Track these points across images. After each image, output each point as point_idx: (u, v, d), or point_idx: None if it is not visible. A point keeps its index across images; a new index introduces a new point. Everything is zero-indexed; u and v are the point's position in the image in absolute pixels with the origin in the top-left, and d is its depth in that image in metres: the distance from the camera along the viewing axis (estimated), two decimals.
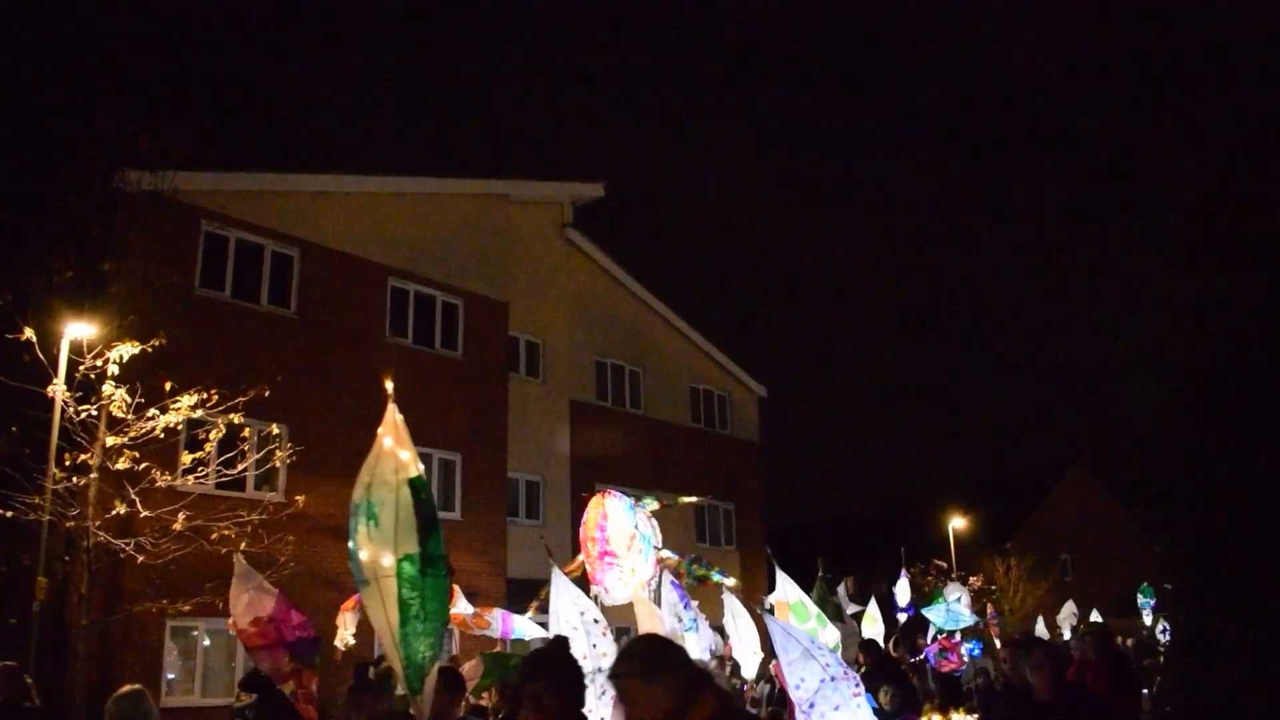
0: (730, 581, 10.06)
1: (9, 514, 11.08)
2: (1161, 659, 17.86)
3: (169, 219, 14.27)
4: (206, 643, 15.47)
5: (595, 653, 6.51)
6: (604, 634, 6.68)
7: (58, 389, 11.23)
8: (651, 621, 8.27)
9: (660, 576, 9.21)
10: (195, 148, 13.14)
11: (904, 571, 17.61)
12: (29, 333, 11.05)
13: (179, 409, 12.12)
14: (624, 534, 8.69)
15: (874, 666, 10.02)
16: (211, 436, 12.86)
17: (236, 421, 13.02)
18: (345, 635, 10.60)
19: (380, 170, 19.96)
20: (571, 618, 6.82)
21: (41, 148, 13.20)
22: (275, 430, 14.07)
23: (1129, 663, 12.20)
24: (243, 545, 12.53)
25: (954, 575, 31.69)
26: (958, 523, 33.94)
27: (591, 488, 22.94)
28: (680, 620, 8.86)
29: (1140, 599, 23.96)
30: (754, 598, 22.83)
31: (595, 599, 8.71)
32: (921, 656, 15.25)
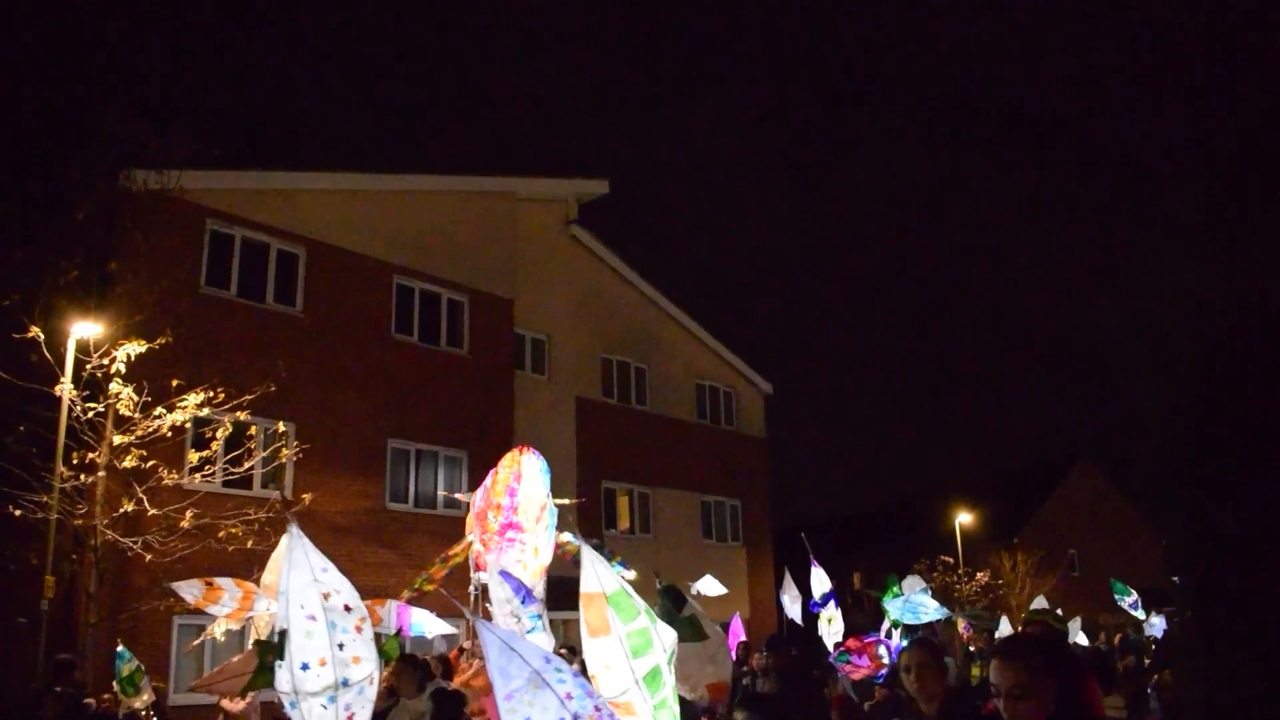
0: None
1: (17, 513, 11.12)
2: (1148, 660, 17.38)
3: (174, 218, 14.29)
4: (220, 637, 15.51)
5: (339, 657, 4.53)
6: (358, 628, 4.66)
7: (65, 388, 11.27)
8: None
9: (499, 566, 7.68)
10: (200, 147, 13.19)
11: (813, 561, 15.33)
12: (36, 332, 11.09)
13: (185, 407, 12.16)
14: (536, 503, 7.47)
15: (776, 675, 8.18)
16: (218, 435, 12.90)
17: (243, 419, 13.04)
18: (216, 630, 9.80)
19: (385, 168, 19.97)
20: (309, 601, 4.55)
21: (48, 148, 13.23)
22: (281, 428, 14.12)
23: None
24: (249, 544, 12.58)
25: (961, 570, 31.73)
26: (965, 518, 33.93)
27: (598, 485, 23.22)
28: (519, 619, 7.44)
29: (1117, 597, 23.06)
30: (759, 596, 22.70)
31: (478, 588, 7.65)
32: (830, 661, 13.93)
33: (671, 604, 6.53)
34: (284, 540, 4.87)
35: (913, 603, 13.96)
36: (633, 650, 4.28)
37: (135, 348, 11.69)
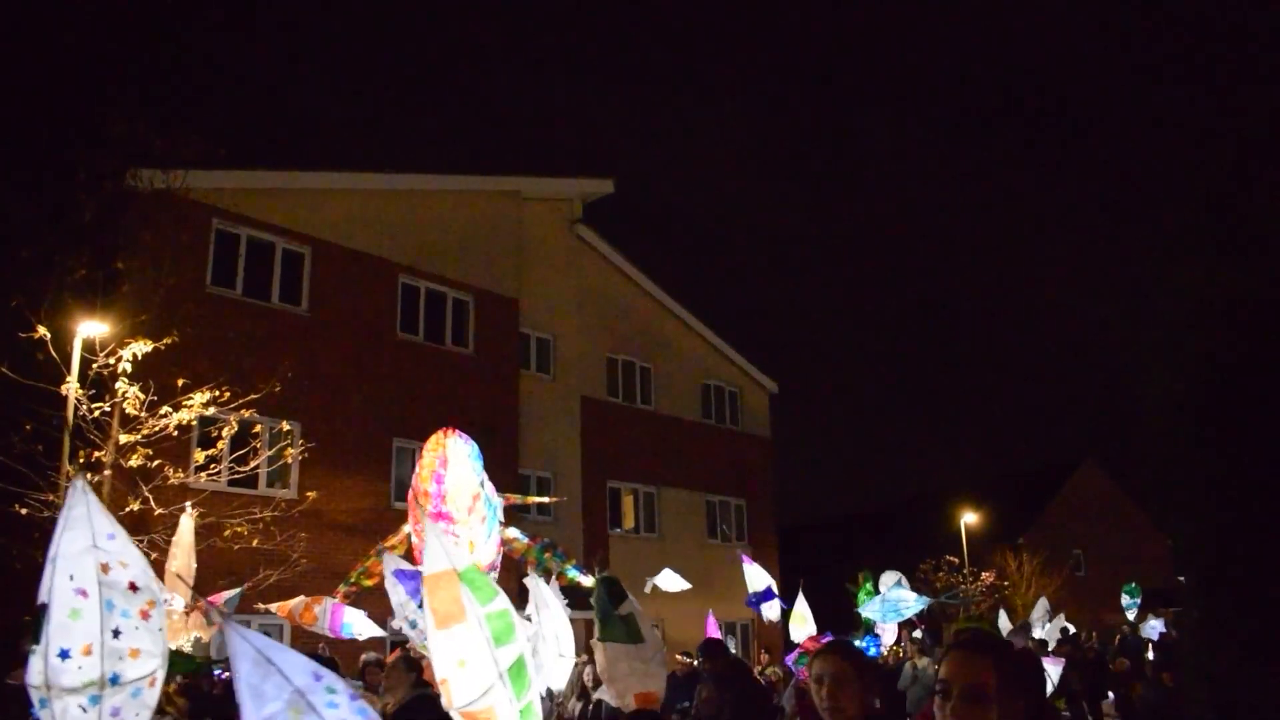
0: (588, 581, 7.76)
1: (24, 511, 11.15)
2: (1149, 662, 17.09)
3: (180, 217, 14.31)
4: None
5: (112, 647, 3.61)
6: (145, 614, 3.68)
7: (71, 387, 11.29)
8: (556, 623, 6.69)
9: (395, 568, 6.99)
10: (206, 146, 13.19)
11: (746, 558, 14.31)
12: (42, 331, 11.12)
13: (191, 406, 12.18)
14: (466, 492, 6.82)
15: (713, 680, 7.31)
16: (224, 434, 12.92)
17: (248, 418, 13.06)
18: (187, 639, 9.67)
19: (391, 168, 19.99)
20: (81, 572, 3.69)
21: (54, 147, 13.25)
22: (287, 427, 14.14)
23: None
24: (255, 543, 12.59)
25: (966, 570, 31.66)
26: (970, 517, 33.86)
27: (603, 484, 23.23)
28: (414, 625, 6.86)
29: (1125, 599, 23.00)
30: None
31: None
32: (773, 665, 12.61)
33: (608, 597, 5.87)
34: (182, 520, 4.51)
35: (890, 600, 13.04)
36: (494, 636, 3.55)
37: (141, 347, 11.71)
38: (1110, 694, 16.67)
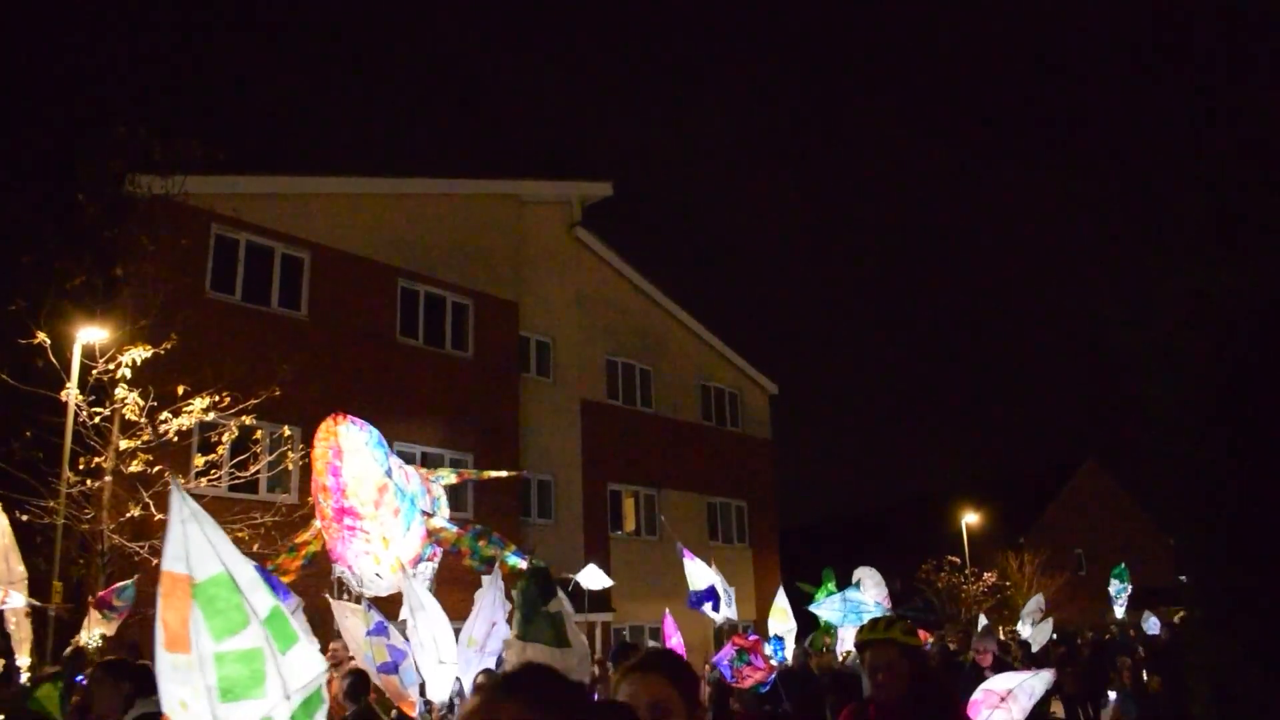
0: (525, 564, 7.17)
1: (24, 518, 11.14)
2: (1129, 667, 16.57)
3: (180, 223, 14.31)
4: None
5: None
6: None
7: (71, 393, 11.29)
8: (434, 626, 5.88)
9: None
10: (205, 152, 13.19)
11: (686, 552, 13.61)
12: (42, 337, 11.12)
13: (191, 412, 12.18)
14: (369, 483, 6.22)
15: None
16: (224, 439, 12.91)
17: (249, 424, 13.04)
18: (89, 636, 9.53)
19: (389, 172, 20.00)
20: None
21: (54, 153, 13.26)
22: (287, 432, 14.11)
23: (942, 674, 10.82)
24: (255, 548, 12.58)
25: (967, 570, 31.64)
26: (971, 518, 33.85)
27: (604, 487, 23.22)
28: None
29: (1115, 584, 20.96)
30: (766, 598, 22.64)
31: (340, 583, 6.57)
32: (711, 667, 11.53)
33: (538, 593, 5.30)
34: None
35: (851, 601, 12.66)
36: (223, 689, 2.41)
37: (141, 353, 11.71)
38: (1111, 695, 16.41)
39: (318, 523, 6.53)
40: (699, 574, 13.24)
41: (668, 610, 13.19)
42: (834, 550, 28.54)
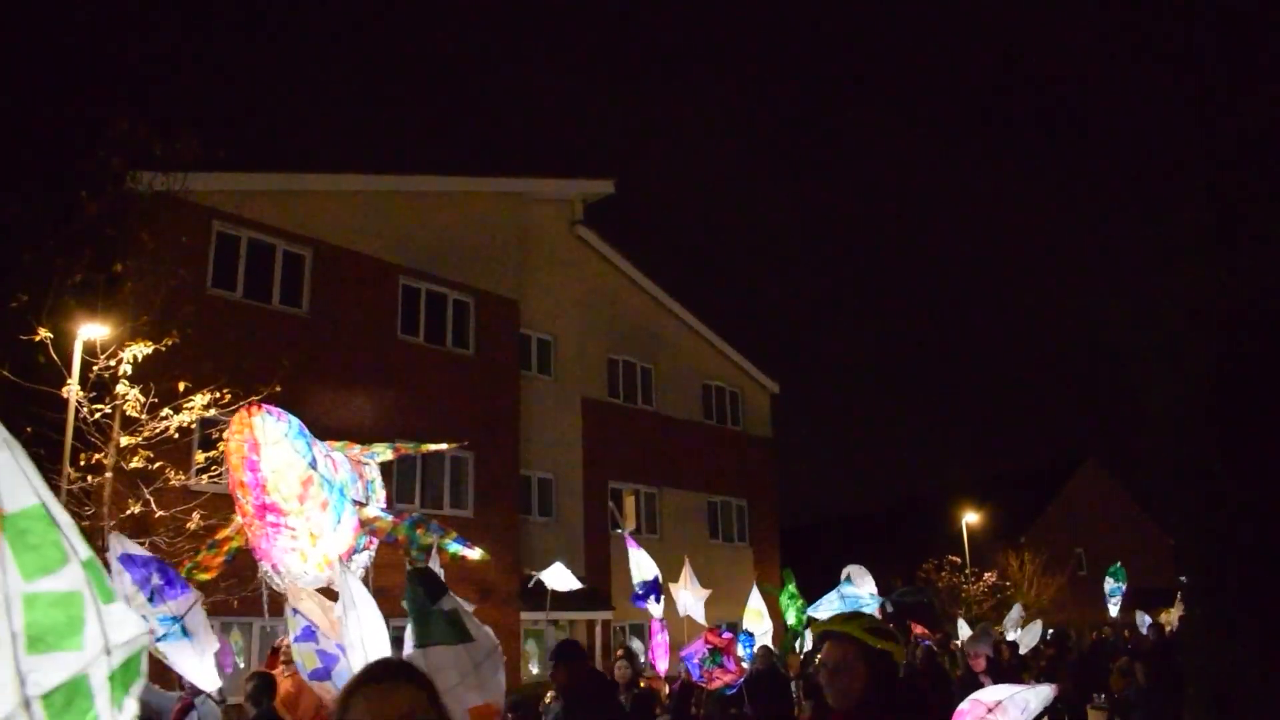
0: (475, 554, 6.87)
1: None
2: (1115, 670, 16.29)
3: (181, 219, 14.31)
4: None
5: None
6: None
7: (72, 389, 11.29)
8: (364, 626, 5.46)
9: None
10: (206, 148, 13.19)
11: (631, 541, 13.08)
12: (43, 334, 11.12)
13: (192, 408, 12.18)
14: (292, 477, 5.79)
15: (565, 695, 6.04)
16: (225, 435, 12.91)
17: None
18: None
19: (391, 169, 20.02)
20: None
21: (55, 150, 13.26)
22: None
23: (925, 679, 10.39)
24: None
25: (968, 570, 31.64)
26: (971, 517, 33.84)
27: (605, 486, 23.22)
28: (146, 619, 5.56)
29: (1110, 583, 20.55)
30: (771, 595, 22.68)
31: (263, 580, 6.27)
32: (682, 670, 11.08)
33: (425, 594, 4.95)
34: None
35: (850, 597, 12.47)
36: (31, 636, 1.95)
37: (142, 349, 11.71)
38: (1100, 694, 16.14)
39: (239, 519, 6.13)
40: (645, 564, 12.73)
41: (656, 609, 13.10)
42: (835, 549, 28.57)
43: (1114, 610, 20.91)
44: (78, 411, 11.41)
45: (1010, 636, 17.07)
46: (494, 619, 18.12)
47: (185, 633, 6.31)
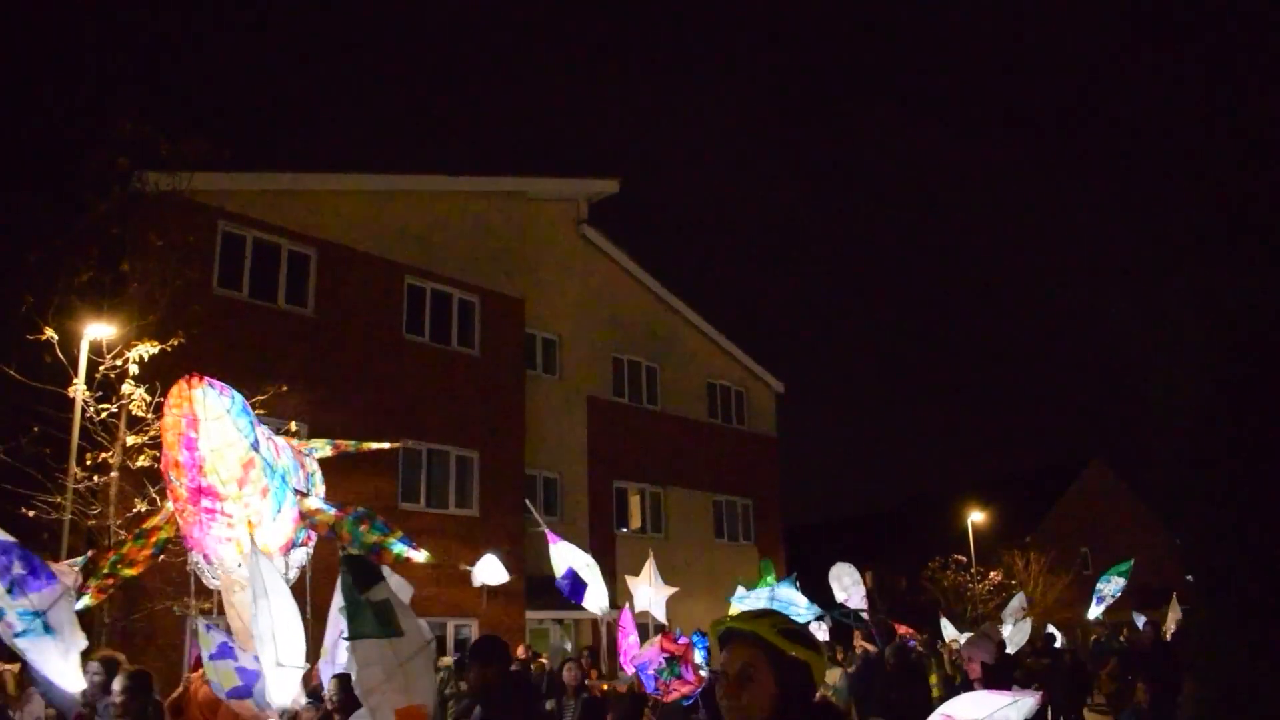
0: (421, 556, 6.35)
1: (31, 514, 11.17)
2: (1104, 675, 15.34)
3: (187, 219, 14.34)
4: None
5: None
6: None
7: (78, 389, 11.32)
8: (277, 620, 4.99)
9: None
10: (212, 148, 13.22)
11: (552, 535, 12.52)
12: (50, 333, 11.15)
13: None
14: (232, 459, 5.34)
15: (481, 695, 5.06)
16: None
17: None
18: None
19: (396, 169, 20.02)
20: None
21: (62, 151, 13.29)
22: (293, 428, 14.13)
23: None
24: None
25: (973, 569, 31.62)
26: (977, 516, 33.81)
27: (610, 484, 23.22)
28: (3, 615, 5.55)
29: (1108, 583, 18.59)
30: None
31: (192, 572, 5.81)
32: (631, 673, 10.36)
33: (354, 582, 4.62)
34: None
35: (781, 600, 11.76)
36: None
37: (148, 348, 11.74)
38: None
39: (170, 505, 5.61)
40: (565, 558, 12.16)
41: (627, 606, 12.87)
42: (840, 548, 28.52)
43: (1096, 611, 18.61)
44: (84, 411, 11.44)
45: (1007, 628, 16.43)
46: (499, 617, 18.15)
47: (48, 629, 5.62)
